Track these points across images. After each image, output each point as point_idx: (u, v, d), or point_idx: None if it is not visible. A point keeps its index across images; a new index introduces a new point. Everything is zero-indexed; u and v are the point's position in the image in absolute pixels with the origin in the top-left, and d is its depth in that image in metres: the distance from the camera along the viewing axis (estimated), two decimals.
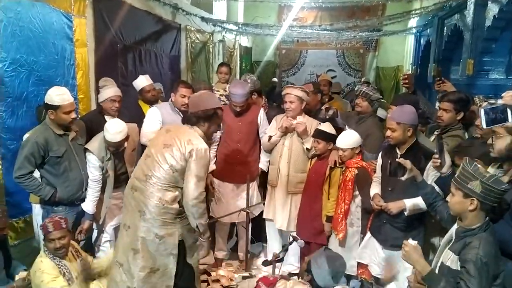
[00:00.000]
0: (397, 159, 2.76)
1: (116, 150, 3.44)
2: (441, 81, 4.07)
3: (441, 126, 3.33)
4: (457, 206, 2.10)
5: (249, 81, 4.50)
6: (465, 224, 2.09)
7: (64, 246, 2.84)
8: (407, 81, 4.20)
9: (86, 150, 3.37)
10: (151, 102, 4.41)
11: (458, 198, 2.08)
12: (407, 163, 2.62)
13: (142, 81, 4.49)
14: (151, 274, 2.74)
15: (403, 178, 2.65)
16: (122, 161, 3.59)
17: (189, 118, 2.89)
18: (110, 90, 3.75)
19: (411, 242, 2.24)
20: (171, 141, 2.77)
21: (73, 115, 3.23)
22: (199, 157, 2.71)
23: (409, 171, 2.61)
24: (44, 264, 2.75)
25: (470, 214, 2.05)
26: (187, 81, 4.21)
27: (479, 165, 2.05)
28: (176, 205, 2.76)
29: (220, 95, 5.23)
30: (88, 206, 3.38)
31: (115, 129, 3.30)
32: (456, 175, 2.14)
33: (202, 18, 7.76)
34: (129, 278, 2.74)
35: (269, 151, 4.05)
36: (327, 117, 4.07)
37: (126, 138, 3.41)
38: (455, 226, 2.17)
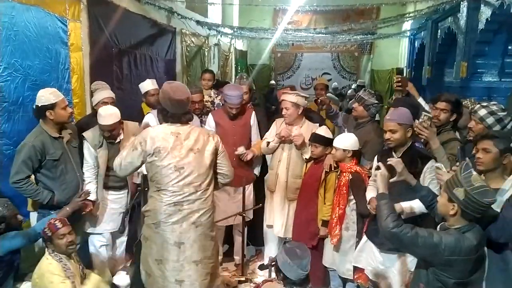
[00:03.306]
0: (387, 160, 2.73)
1: (110, 137, 3.46)
2: (400, 81, 4.07)
3: (436, 127, 3.37)
4: (442, 208, 2.17)
5: (244, 78, 4.54)
6: (448, 223, 2.16)
7: (74, 241, 2.88)
8: (400, 83, 4.20)
9: (82, 137, 3.45)
10: (154, 106, 4.45)
11: (443, 200, 2.15)
12: (398, 166, 2.62)
13: (148, 85, 4.58)
14: (210, 279, 2.86)
15: (391, 180, 2.65)
16: (116, 155, 3.57)
17: (184, 116, 2.82)
18: (102, 93, 3.76)
19: (382, 168, 2.55)
20: (195, 144, 2.76)
21: (69, 109, 3.28)
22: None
23: (398, 174, 2.61)
24: (52, 266, 2.77)
25: (451, 218, 2.11)
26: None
27: (474, 172, 2.05)
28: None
29: (205, 101, 5.23)
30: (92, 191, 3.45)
31: (107, 111, 3.39)
32: (450, 177, 2.16)
33: (197, 22, 7.77)
34: None
35: (262, 156, 4.07)
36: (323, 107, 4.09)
37: (120, 124, 3.47)
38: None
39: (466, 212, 2.03)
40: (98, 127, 3.45)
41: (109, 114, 3.37)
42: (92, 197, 3.43)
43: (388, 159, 2.72)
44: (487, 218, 2.19)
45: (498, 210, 2.29)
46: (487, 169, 2.44)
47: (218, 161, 2.90)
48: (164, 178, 2.70)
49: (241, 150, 3.96)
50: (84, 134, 3.46)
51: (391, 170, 2.64)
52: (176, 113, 2.74)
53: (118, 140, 3.55)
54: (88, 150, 3.46)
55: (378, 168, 2.58)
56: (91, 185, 3.46)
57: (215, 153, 2.86)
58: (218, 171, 2.92)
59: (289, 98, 3.81)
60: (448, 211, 2.10)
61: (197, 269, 2.75)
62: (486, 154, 2.42)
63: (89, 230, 3.63)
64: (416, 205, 2.75)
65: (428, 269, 2.18)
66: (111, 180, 3.58)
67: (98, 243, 3.70)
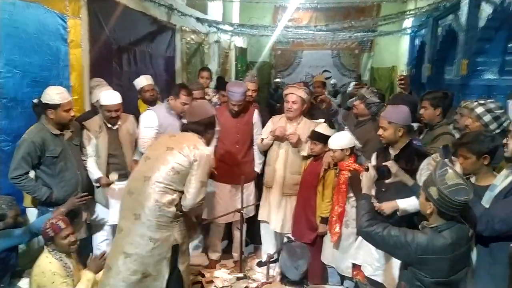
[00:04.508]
0: (383, 163, 2.73)
1: (114, 119, 3.56)
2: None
3: (426, 124, 3.49)
4: (421, 207, 2.20)
5: (255, 77, 4.57)
6: (426, 222, 2.17)
7: (75, 240, 2.89)
8: (403, 81, 4.20)
9: (83, 127, 3.55)
10: (150, 102, 4.47)
11: (422, 199, 2.17)
12: (393, 167, 2.63)
13: (142, 81, 4.58)
14: (142, 279, 2.70)
15: (386, 181, 2.66)
16: (117, 141, 3.64)
17: (195, 127, 2.89)
18: (102, 90, 3.79)
19: (371, 170, 2.54)
20: (174, 145, 2.78)
21: (72, 113, 3.29)
22: (204, 162, 2.74)
23: (393, 175, 2.62)
24: (53, 265, 2.75)
25: (430, 216, 2.12)
26: (187, 87, 4.17)
27: (450, 170, 2.04)
28: (172, 209, 2.72)
29: None
30: (94, 175, 3.51)
31: (111, 93, 3.60)
32: (427, 176, 2.17)
33: (197, 19, 7.76)
34: (117, 281, 2.69)
35: (264, 152, 4.05)
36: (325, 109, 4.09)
37: (120, 107, 3.58)
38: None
39: (441, 211, 2.04)
40: (98, 116, 3.61)
41: (114, 94, 3.57)
42: (97, 174, 3.51)
43: (384, 163, 2.73)
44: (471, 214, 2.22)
45: (487, 206, 2.31)
46: (470, 173, 2.48)
47: (189, 176, 2.73)
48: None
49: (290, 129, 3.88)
50: (85, 123, 3.56)
51: (387, 170, 2.66)
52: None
53: (116, 126, 3.64)
54: (87, 139, 3.53)
55: (367, 169, 2.59)
56: (91, 164, 3.53)
57: (187, 162, 2.71)
58: (184, 189, 2.75)
59: (298, 93, 3.80)
60: (426, 210, 2.11)
61: (125, 262, 2.68)
62: (465, 160, 2.46)
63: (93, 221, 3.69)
64: (412, 203, 2.75)
65: (407, 268, 2.20)
66: (113, 168, 3.63)
67: (100, 238, 3.73)
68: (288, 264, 2.52)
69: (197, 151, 2.73)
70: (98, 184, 3.53)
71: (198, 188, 2.72)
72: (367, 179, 2.53)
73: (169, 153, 2.74)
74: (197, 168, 2.71)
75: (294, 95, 3.80)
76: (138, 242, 2.68)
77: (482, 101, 2.99)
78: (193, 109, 2.95)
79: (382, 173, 2.63)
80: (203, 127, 2.90)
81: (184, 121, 3.16)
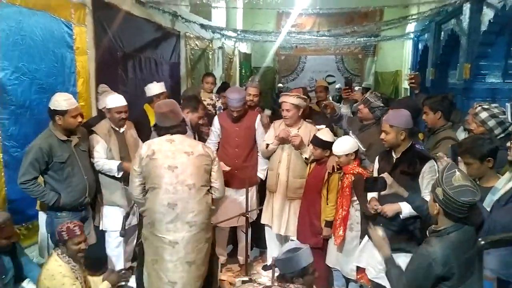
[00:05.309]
0: (380, 175, 2.74)
1: (122, 121, 3.65)
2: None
3: (430, 128, 3.50)
4: (430, 208, 2.19)
5: (257, 81, 4.61)
6: (436, 225, 2.15)
7: (85, 249, 2.95)
8: (413, 80, 4.21)
9: (92, 132, 3.59)
10: None
11: (430, 201, 2.17)
12: (388, 179, 2.64)
13: (159, 87, 4.55)
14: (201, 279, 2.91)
15: (381, 193, 2.67)
16: (124, 145, 3.71)
17: (182, 129, 2.97)
18: (109, 96, 3.83)
19: (379, 231, 2.45)
20: (189, 148, 2.86)
21: (80, 118, 3.32)
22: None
23: (388, 187, 2.63)
24: (63, 268, 2.81)
25: (437, 218, 2.11)
26: (202, 101, 4.19)
27: (458, 172, 2.04)
28: (213, 207, 3.00)
29: (207, 104, 5.29)
30: (113, 164, 3.57)
31: (117, 97, 3.72)
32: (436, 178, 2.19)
33: (201, 25, 7.82)
34: None
35: (268, 157, 4.08)
36: (329, 115, 4.11)
37: (127, 109, 3.69)
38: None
39: (448, 212, 2.03)
40: (104, 120, 3.70)
41: (120, 97, 3.71)
42: (115, 162, 3.57)
43: (380, 175, 2.74)
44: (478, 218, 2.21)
45: (488, 209, 2.31)
46: (477, 177, 2.48)
47: (212, 172, 2.95)
48: (158, 177, 2.80)
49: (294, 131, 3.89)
50: (93, 128, 3.62)
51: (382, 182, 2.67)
52: (164, 125, 2.90)
53: (122, 129, 3.74)
54: (98, 142, 3.58)
55: (375, 211, 2.60)
56: (104, 161, 3.58)
57: (210, 160, 2.93)
58: (211, 184, 2.97)
59: (290, 100, 3.82)
60: (433, 211, 2.12)
61: (190, 270, 2.77)
62: (469, 167, 2.46)
63: (104, 228, 3.73)
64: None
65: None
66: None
67: (115, 243, 3.76)
68: (284, 260, 2.52)
69: (211, 149, 3.05)
70: (121, 174, 3.57)
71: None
72: (377, 239, 2.45)
73: (194, 157, 2.84)
74: (217, 163, 2.99)
75: (287, 103, 3.83)
76: (198, 247, 2.83)
77: (486, 106, 3.00)
78: (172, 110, 2.93)
79: (381, 184, 2.65)
80: (184, 126, 3.06)
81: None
